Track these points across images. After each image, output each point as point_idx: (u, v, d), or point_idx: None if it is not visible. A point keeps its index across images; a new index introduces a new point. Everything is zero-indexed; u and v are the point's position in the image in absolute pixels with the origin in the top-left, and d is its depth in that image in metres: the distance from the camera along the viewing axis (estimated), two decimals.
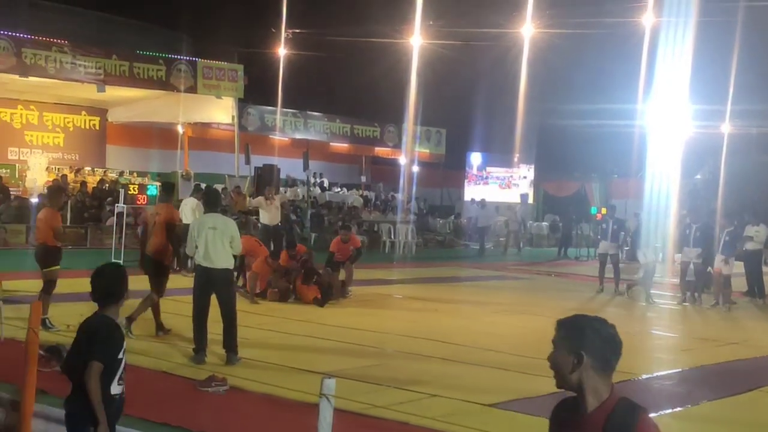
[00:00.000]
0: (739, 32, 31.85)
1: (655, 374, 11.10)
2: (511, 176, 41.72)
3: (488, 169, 41.64)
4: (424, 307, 16.38)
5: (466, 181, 41.44)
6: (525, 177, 41.66)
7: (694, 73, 30.49)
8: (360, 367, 10.35)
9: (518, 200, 39.85)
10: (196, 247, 10.31)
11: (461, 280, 22.41)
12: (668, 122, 31.72)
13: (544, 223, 39.45)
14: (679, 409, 9.39)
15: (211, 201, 11.22)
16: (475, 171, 41.57)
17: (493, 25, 32.21)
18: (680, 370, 11.60)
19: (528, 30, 32.17)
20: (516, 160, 41.05)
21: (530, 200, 40.94)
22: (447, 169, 42.46)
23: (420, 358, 11.17)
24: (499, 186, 41.26)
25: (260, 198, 20.73)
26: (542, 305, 17.20)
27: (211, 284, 10.29)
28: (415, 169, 39.21)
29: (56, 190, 13.40)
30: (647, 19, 31.07)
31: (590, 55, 36.72)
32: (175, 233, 12.01)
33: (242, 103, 31.29)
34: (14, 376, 7.48)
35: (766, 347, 13.32)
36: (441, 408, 8.55)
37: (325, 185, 36.84)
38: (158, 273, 11.69)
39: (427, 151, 40.69)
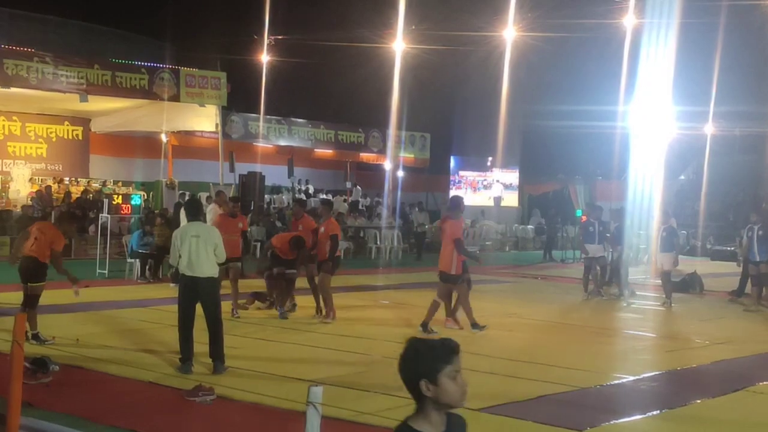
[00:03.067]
0: (721, 34, 32.11)
1: (641, 376, 11.13)
2: (485, 179, 41.89)
3: (461, 173, 41.76)
4: (412, 312, 16.33)
5: (451, 185, 41.56)
6: (499, 180, 41.82)
7: (677, 74, 30.67)
8: (347, 374, 10.35)
9: (492, 204, 40.10)
10: (180, 256, 10.30)
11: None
12: (651, 124, 31.87)
13: (530, 226, 39.53)
14: (665, 409, 9.42)
15: (193, 210, 11.21)
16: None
17: (476, 28, 32.31)
18: (666, 371, 11.60)
19: (510, 33, 32.28)
20: (490, 163, 41.16)
21: (501, 203, 40.93)
22: (432, 174, 42.53)
23: None
24: (473, 190, 41.42)
25: (213, 205, 19.34)
26: (528, 309, 17.31)
27: (196, 293, 10.29)
28: (400, 173, 39.28)
29: (70, 217, 13.37)
30: (629, 20, 31.22)
31: (573, 57, 36.89)
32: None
33: (226, 111, 31.23)
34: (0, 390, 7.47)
35: (748, 347, 13.43)
36: None
37: (310, 192, 36.85)
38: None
39: (412, 155, 40.78)
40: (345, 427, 7.74)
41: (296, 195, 33.78)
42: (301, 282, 15.44)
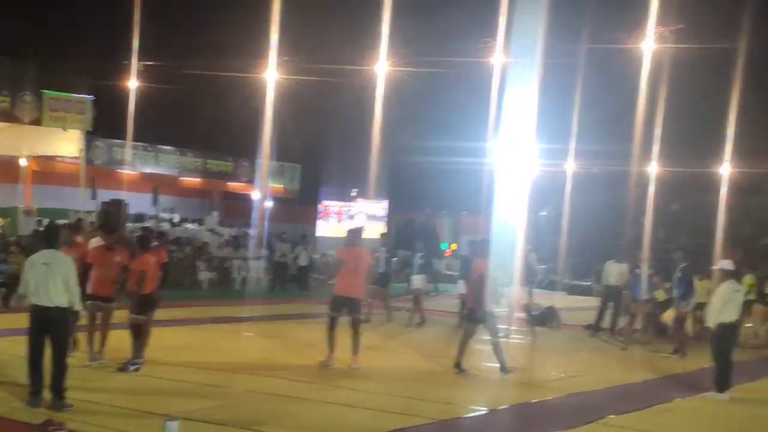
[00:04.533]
0: (582, 75, 33.20)
1: (497, 408, 11.38)
2: (350, 210, 42.15)
3: (324, 202, 41.94)
4: (275, 344, 16.29)
5: (319, 216, 41.62)
6: (361, 212, 42.13)
7: (541, 113, 31.50)
8: (205, 408, 10.19)
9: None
10: (29, 284, 9.95)
11: (313, 316, 22.11)
12: (515, 160, 32.58)
13: (394, 259, 39.80)
14: None
15: (49, 237, 10.77)
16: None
17: (349, 61, 32.49)
18: (521, 403, 11.84)
19: (382, 67, 32.59)
20: (354, 194, 41.44)
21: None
22: (301, 205, 42.48)
23: (268, 397, 11.07)
24: (337, 220, 41.62)
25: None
26: (392, 340, 17.47)
27: (45, 323, 9.92)
28: (269, 204, 39.06)
29: None
30: (497, 59, 31.93)
31: (443, 93, 37.51)
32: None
33: (90, 136, 30.54)
34: None
35: (602, 380, 13.87)
36: None
37: (175, 221, 36.18)
38: None
39: (282, 186, 40.70)
40: None
41: (160, 224, 33.17)
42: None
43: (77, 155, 29.32)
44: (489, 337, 14.00)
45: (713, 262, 21.43)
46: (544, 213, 42.69)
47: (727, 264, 13.36)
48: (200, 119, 38.72)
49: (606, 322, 19.75)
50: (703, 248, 29.06)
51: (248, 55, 31.40)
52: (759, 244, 39.99)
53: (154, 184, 35.39)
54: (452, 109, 37.56)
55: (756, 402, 12.78)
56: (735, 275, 13.43)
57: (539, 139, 34.44)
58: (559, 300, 24.64)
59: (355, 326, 13.80)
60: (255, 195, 38.34)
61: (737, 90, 31.02)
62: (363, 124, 35.55)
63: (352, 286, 13.70)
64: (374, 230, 41.63)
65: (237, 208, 41.93)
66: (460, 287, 19.97)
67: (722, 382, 12.74)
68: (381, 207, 42.66)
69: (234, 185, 39.93)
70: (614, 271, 19.41)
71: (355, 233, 14.90)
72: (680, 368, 15.90)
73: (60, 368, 9.88)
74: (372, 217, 42.11)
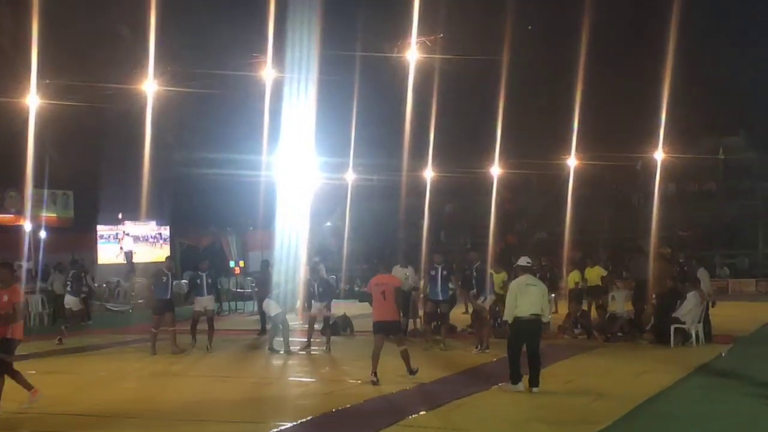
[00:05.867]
0: (357, 90, 33.79)
1: (299, 421, 11.28)
2: (117, 234, 41.19)
3: (98, 227, 40.73)
4: (58, 379, 15.52)
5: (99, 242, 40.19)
6: (128, 233, 41.32)
7: (320, 127, 31.78)
8: None
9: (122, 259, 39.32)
10: None
11: (98, 348, 21.31)
12: (296, 173, 32.75)
13: (183, 281, 39.03)
14: None
15: None
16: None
17: (117, 80, 31.47)
18: (324, 413, 11.84)
19: (151, 86, 31.75)
20: (121, 216, 40.46)
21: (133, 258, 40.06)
22: (78, 233, 40.72)
23: None
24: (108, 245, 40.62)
25: None
26: (185, 364, 17.07)
27: None
28: (43, 234, 37.25)
29: None
30: (268, 74, 31.84)
31: (218, 111, 37.14)
32: None
33: None
34: None
35: (397, 384, 14.09)
36: None
37: None
38: None
39: (55, 215, 39.00)
40: None
41: None
42: None
43: None
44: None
45: (489, 257, 22.66)
46: (329, 224, 43.16)
47: (523, 260, 13.96)
48: None
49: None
50: (481, 243, 30.49)
51: (5, 78, 29.82)
52: (533, 238, 42.18)
53: None
54: (230, 125, 37.23)
55: (545, 392, 13.17)
56: (531, 270, 14.13)
57: (319, 152, 34.89)
58: (348, 308, 24.84)
59: None
60: (26, 226, 36.38)
61: (499, 96, 32.65)
62: (136, 145, 34.56)
63: None
64: (152, 253, 40.78)
65: (7, 242, 39.58)
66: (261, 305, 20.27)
67: (515, 374, 13.22)
68: (154, 229, 41.79)
69: (2, 217, 37.83)
70: (400, 276, 19.77)
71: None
72: (479, 362, 16.54)
73: None
74: (145, 239, 41.21)
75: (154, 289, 19.47)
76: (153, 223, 41.87)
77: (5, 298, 11.87)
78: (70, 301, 22.41)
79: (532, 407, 12.15)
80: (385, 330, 14.45)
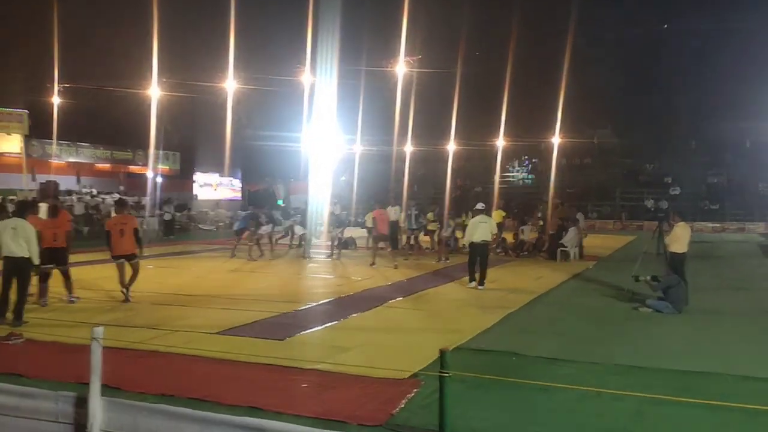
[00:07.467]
0: (364, 90, 33.73)
1: (320, 302, 11.39)
2: (217, 181, 41.68)
3: (197, 173, 41.17)
4: (168, 272, 15.80)
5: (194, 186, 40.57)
6: (222, 184, 41.71)
7: (340, 114, 31.62)
8: (120, 317, 9.84)
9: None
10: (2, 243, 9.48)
11: (194, 252, 21.32)
12: (323, 144, 32.68)
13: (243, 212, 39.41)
14: (335, 322, 9.75)
15: (19, 209, 10.22)
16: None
17: (208, 80, 31.23)
18: (335, 298, 11.88)
19: (231, 84, 31.39)
20: (217, 171, 40.70)
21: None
22: (181, 179, 40.98)
23: (164, 307, 10.69)
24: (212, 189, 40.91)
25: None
26: (254, 263, 17.46)
27: (13, 269, 9.49)
28: (159, 180, 37.54)
29: None
30: (306, 79, 31.65)
31: (274, 100, 36.78)
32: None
33: (28, 138, 28.34)
34: None
35: (386, 280, 14.30)
36: (180, 338, 8.27)
37: (93, 194, 34.17)
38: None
39: (167, 167, 39.22)
40: (119, 353, 7.23)
41: (82, 197, 31.34)
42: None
43: (19, 151, 27.14)
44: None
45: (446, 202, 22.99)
46: (344, 178, 43.32)
47: (479, 205, 14.00)
48: (107, 122, 36.38)
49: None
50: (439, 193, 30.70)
51: (136, 77, 29.70)
52: (473, 191, 42.36)
53: (76, 170, 33.33)
54: (281, 111, 36.94)
55: (492, 289, 13.12)
56: (485, 212, 13.96)
57: (340, 130, 34.84)
58: (354, 232, 25.06)
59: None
60: (149, 174, 36.70)
61: (454, 95, 32.73)
62: (220, 123, 34.32)
63: None
64: (228, 194, 41.55)
65: (136, 184, 39.91)
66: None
67: (471, 276, 13.48)
68: (230, 179, 42.24)
69: (133, 168, 38.10)
70: (391, 213, 20.23)
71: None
72: (440, 268, 16.75)
73: (20, 299, 9.48)
74: (224, 185, 41.92)
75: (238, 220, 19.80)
76: (230, 177, 42.22)
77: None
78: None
79: (470, 297, 12.10)
80: (383, 239, 16.81)
